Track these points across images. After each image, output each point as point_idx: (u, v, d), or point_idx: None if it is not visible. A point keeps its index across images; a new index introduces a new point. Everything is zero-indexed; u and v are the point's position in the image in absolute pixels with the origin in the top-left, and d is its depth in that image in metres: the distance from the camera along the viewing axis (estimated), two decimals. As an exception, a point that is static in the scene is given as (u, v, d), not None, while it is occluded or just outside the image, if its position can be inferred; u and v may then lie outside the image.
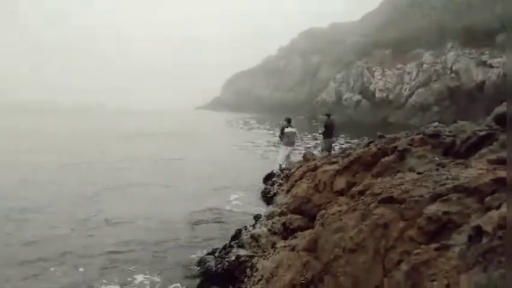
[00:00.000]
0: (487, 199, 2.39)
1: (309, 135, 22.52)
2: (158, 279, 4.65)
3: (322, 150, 11.20)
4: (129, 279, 4.68)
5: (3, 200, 7.97)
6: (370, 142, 6.77)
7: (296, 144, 11.58)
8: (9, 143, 17.42)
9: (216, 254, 5.02)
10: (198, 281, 4.62)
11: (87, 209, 7.58)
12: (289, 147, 11.05)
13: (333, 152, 10.52)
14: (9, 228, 6.42)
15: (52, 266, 5.03)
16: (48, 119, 38.61)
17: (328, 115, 11.97)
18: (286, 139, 11.00)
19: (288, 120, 11.31)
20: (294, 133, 11.18)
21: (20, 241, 5.85)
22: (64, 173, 11.30)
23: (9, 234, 6.12)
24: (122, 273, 4.82)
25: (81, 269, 4.91)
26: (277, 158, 11.46)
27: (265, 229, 5.29)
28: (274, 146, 18.28)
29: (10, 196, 8.34)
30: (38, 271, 4.92)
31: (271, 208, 6.64)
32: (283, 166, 10.59)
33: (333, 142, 11.89)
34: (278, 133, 11.80)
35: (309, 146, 17.64)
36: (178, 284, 4.56)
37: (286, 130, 11.00)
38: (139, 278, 4.70)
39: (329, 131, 11.36)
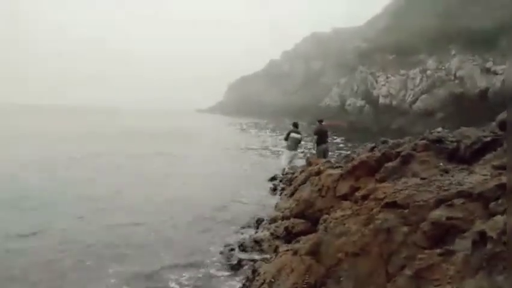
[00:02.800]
0: (492, 204, 2.39)
1: (310, 139, 22.57)
2: (158, 277, 4.63)
3: (317, 158, 11.04)
4: (127, 274, 4.68)
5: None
6: (374, 147, 6.77)
7: (299, 148, 11.57)
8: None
9: (218, 257, 5.02)
10: (198, 283, 4.60)
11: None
12: (292, 152, 11.04)
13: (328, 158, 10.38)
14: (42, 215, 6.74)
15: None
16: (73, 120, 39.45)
17: (320, 121, 11.65)
18: (290, 143, 11.01)
19: (295, 125, 11.28)
20: (298, 139, 11.09)
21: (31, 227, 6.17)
22: (80, 164, 12.40)
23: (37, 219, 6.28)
24: (117, 266, 4.86)
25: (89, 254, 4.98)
26: (280, 161, 11.45)
27: (267, 233, 5.29)
28: (278, 149, 18.32)
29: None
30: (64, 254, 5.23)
31: (274, 212, 6.64)
32: (287, 170, 10.59)
33: (327, 148, 11.68)
34: (284, 136, 11.77)
35: (312, 150, 17.64)
36: (178, 284, 4.54)
37: (291, 135, 11.02)
38: (138, 275, 4.69)
39: (322, 138, 11.16)
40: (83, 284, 4.49)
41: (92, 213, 7.17)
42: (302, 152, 14.80)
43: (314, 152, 12.72)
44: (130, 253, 5.41)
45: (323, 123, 11.60)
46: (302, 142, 12.04)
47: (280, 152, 15.78)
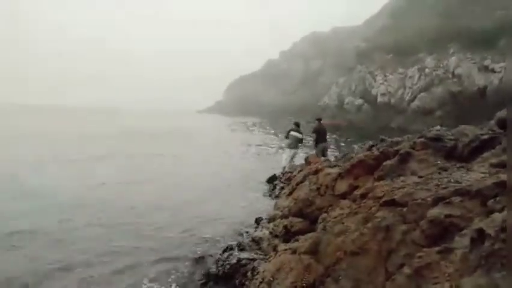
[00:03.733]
0: (490, 202, 2.39)
1: (309, 139, 22.61)
2: (156, 279, 4.62)
3: (316, 156, 11.03)
4: (125, 275, 4.67)
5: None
6: (372, 146, 6.78)
7: (301, 147, 11.59)
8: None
9: (217, 256, 5.01)
10: (197, 282, 4.60)
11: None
12: (293, 150, 11.04)
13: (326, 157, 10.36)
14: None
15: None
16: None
17: (319, 119, 11.67)
18: (290, 141, 11.03)
19: (297, 124, 11.31)
20: (299, 138, 11.09)
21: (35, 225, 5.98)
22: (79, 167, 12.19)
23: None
24: (116, 269, 4.83)
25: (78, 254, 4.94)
26: (281, 160, 11.45)
27: (266, 232, 5.28)
28: (277, 148, 18.33)
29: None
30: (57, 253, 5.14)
31: (272, 211, 6.64)
32: (287, 169, 10.58)
33: (326, 147, 11.63)
34: (284, 134, 11.85)
35: (310, 149, 17.64)
36: (177, 285, 4.54)
37: (292, 133, 11.03)
38: (135, 275, 4.68)
39: (321, 136, 11.17)
40: (76, 283, 4.49)
41: (91, 213, 7.15)
42: (305, 152, 14.80)
43: (313, 150, 12.72)
44: (129, 253, 5.41)
45: (322, 121, 11.63)
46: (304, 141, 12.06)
47: (280, 151, 15.77)
